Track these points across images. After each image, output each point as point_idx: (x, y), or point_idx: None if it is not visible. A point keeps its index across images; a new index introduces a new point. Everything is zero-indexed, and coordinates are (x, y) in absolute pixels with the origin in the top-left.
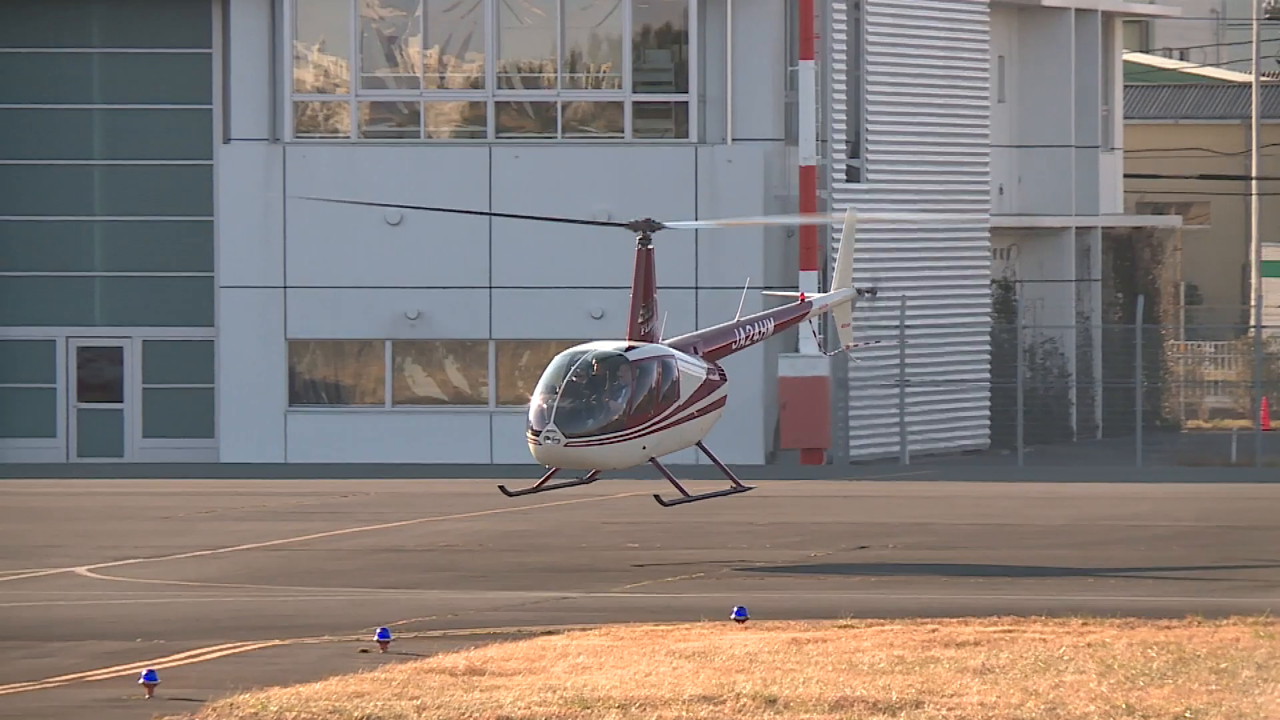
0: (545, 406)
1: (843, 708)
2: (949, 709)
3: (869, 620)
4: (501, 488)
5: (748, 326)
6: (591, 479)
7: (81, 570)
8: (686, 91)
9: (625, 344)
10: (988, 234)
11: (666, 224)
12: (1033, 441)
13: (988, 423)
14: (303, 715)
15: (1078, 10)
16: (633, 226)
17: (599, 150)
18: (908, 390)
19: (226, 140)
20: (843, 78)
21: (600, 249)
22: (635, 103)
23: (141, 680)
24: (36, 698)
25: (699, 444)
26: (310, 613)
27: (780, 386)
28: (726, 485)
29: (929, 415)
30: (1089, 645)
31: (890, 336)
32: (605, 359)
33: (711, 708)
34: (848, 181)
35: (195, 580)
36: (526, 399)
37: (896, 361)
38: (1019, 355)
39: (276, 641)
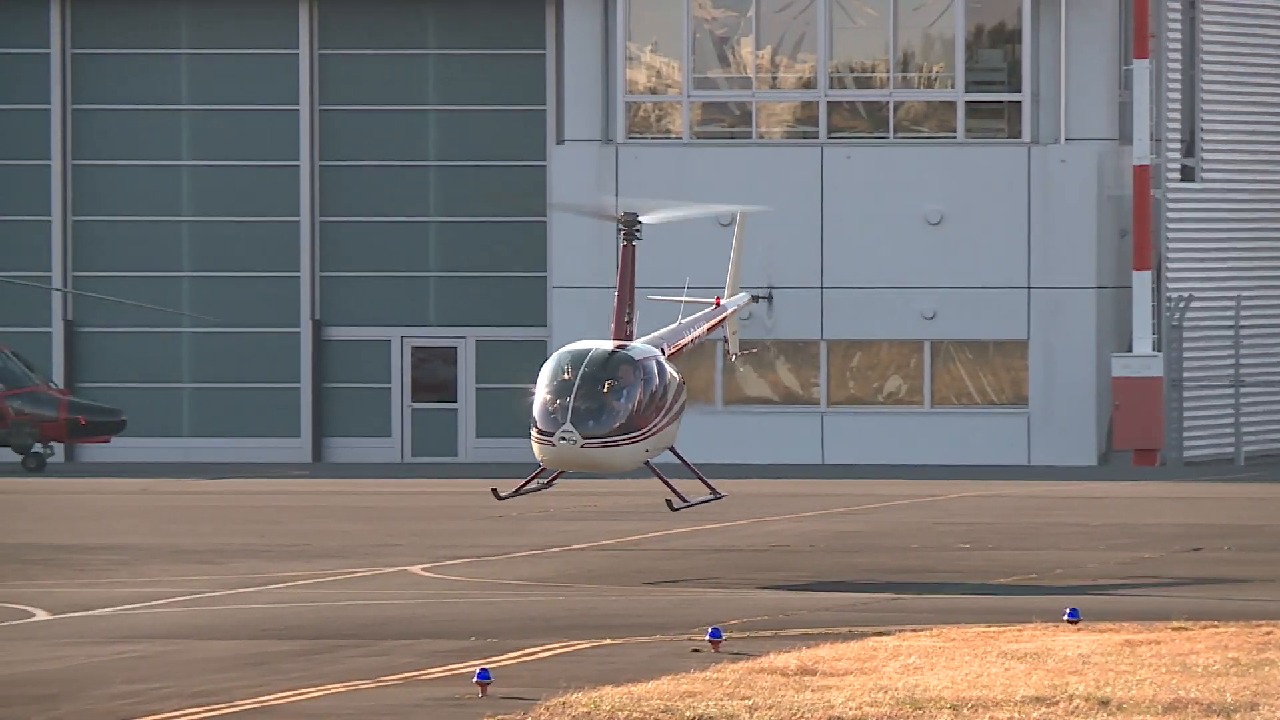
0: (557, 407)
1: (1176, 709)
2: None
3: (1203, 622)
4: (494, 491)
5: (691, 329)
6: (551, 483)
7: (416, 569)
8: (1019, 91)
9: (615, 343)
10: None
11: (650, 218)
12: None
13: None
14: (635, 714)
15: None
16: (612, 219)
17: (931, 150)
18: (1243, 390)
19: (560, 141)
20: (1178, 76)
21: (931, 249)
22: (968, 102)
23: (475, 679)
24: (371, 696)
25: (670, 448)
26: (641, 612)
27: (1114, 387)
28: (705, 493)
29: (1265, 415)
30: None
31: (1225, 336)
32: (613, 359)
33: (1044, 709)
34: (1182, 181)
35: (528, 579)
36: (859, 399)
37: (1231, 361)
38: None
39: (608, 641)
